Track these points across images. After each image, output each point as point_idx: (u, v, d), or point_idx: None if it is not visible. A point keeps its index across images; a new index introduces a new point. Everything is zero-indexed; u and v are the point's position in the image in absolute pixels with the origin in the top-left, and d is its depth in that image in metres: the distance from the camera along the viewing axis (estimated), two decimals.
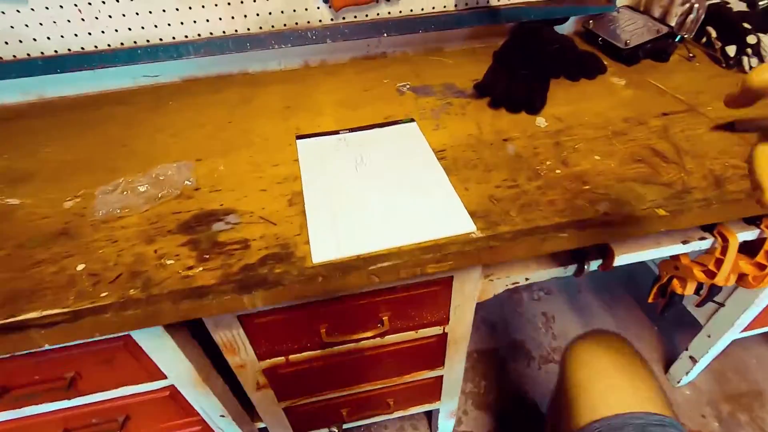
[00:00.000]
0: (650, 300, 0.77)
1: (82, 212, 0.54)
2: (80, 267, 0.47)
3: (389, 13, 0.81)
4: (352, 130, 0.66)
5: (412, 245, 0.48)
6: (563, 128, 0.65)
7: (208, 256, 0.48)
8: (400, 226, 0.49)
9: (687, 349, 1.00)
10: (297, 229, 0.50)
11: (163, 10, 0.74)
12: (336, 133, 0.66)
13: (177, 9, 0.74)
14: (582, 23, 0.90)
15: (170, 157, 0.63)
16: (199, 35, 0.77)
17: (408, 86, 0.78)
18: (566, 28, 0.93)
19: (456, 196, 0.53)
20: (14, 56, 0.73)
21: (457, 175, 0.57)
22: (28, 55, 0.74)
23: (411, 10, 0.82)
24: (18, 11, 0.69)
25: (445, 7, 0.83)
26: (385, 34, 0.82)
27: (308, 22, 0.79)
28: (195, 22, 0.76)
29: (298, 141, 0.64)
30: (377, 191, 0.54)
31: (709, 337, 0.93)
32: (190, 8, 0.74)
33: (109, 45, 0.76)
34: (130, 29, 0.75)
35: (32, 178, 0.61)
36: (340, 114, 0.72)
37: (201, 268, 0.46)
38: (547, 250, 0.50)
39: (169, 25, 0.75)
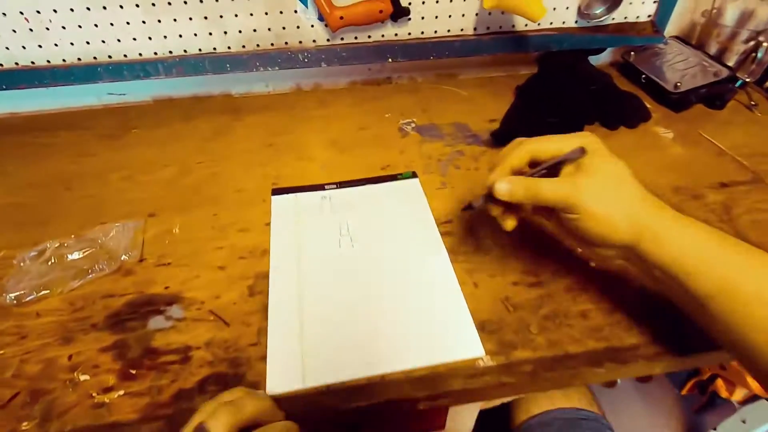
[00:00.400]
0: (684, 392, 0.65)
1: None
2: None
3: (396, 35, 0.69)
4: (340, 185, 0.55)
5: (399, 373, 0.36)
6: None
7: (134, 372, 0.37)
8: (386, 345, 0.38)
9: (715, 429, 0.89)
10: (254, 335, 0.39)
11: (127, 23, 0.62)
12: (321, 188, 0.54)
13: (144, 22, 0.62)
14: (621, 54, 0.77)
15: (118, 209, 0.52)
16: (170, 52, 0.66)
17: (413, 125, 0.66)
18: (601, 58, 0.80)
19: (461, 298, 0.41)
20: None
21: (464, 262, 0.45)
22: None
23: (422, 33, 0.69)
24: None
25: (462, 30, 0.70)
26: (390, 60, 0.70)
27: (300, 42, 0.67)
28: (165, 37, 0.64)
29: (274, 198, 0.53)
30: (360, 287, 0.43)
31: (744, 422, 0.81)
32: (159, 21, 0.62)
33: (64, 60, 0.64)
34: (88, 43, 0.63)
35: None
36: (329, 158, 0.60)
37: (122, 392, 0.35)
38: (575, 384, 0.39)
39: (134, 39, 0.64)
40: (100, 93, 0.71)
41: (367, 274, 0.44)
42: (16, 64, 0.64)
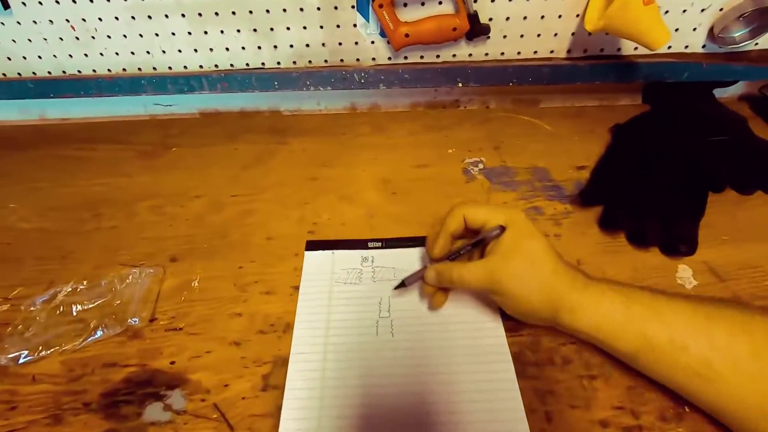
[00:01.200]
0: None
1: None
2: None
3: (470, 55, 0.58)
4: (386, 243, 0.46)
5: None
6: (724, 291, 0.40)
7: None
8: None
9: None
10: None
11: (173, 33, 0.56)
12: (363, 245, 0.46)
13: (189, 33, 0.56)
14: (759, 87, 0.61)
15: (140, 247, 0.47)
16: (216, 66, 0.60)
17: (481, 165, 0.56)
18: (728, 91, 0.64)
19: None
20: (4, 74, 0.61)
21: (535, 379, 0.35)
22: (19, 74, 0.61)
23: (502, 54, 0.58)
24: (2, 24, 0.56)
25: (552, 52, 0.58)
26: (461, 84, 0.59)
27: (357, 59, 0.59)
28: (211, 50, 0.58)
29: (307, 254, 0.45)
30: (398, 396, 0.34)
31: None
32: (205, 33, 0.56)
33: (109, 70, 0.60)
34: (133, 53, 0.58)
35: None
36: (378, 203, 0.51)
37: None
38: None
39: (180, 51, 0.58)
40: (147, 103, 0.68)
41: (409, 379, 0.35)
42: (63, 72, 0.61)
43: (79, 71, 0.60)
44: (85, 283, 0.43)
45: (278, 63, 0.59)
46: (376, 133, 0.62)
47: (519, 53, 0.58)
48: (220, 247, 0.47)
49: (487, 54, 0.58)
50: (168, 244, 0.47)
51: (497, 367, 0.35)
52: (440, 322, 0.38)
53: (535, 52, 0.58)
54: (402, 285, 0.39)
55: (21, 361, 0.37)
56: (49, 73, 0.61)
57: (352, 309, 0.40)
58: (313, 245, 0.46)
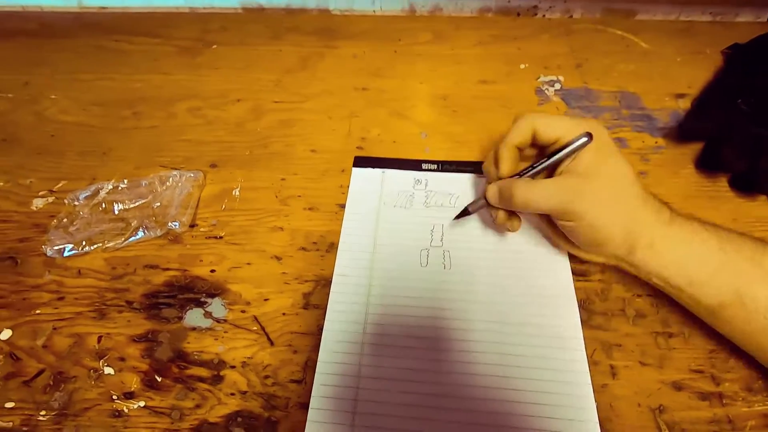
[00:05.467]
0: None
1: (44, 224, 0.39)
2: (5, 335, 0.33)
3: None
4: (442, 166, 0.41)
5: None
6: None
7: (159, 379, 0.31)
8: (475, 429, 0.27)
9: None
10: (299, 368, 0.31)
11: None
12: (417, 165, 0.41)
13: None
14: None
15: (180, 149, 0.44)
16: None
17: (558, 86, 0.48)
18: None
19: (589, 390, 0.28)
20: None
21: (600, 329, 0.31)
22: None
23: None
24: None
25: None
26: None
27: None
28: None
29: (355, 170, 0.41)
30: (447, 336, 0.31)
31: None
32: None
33: None
34: None
35: (22, 142, 0.46)
36: (434, 120, 0.46)
37: (142, 403, 0.30)
38: None
39: None
40: None
41: (462, 316, 0.32)
42: None
43: None
44: (125, 181, 0.41)
45: None
46: (436, 41, 0.54)
47: None
48: (262, 156, 0.43)
49: None
50: (208, 148, 0.44)
51: (560, 312, 0.31)
52: (499, 257, 0.35)
53: None
54: (465, 213, 0.34)
55: (66, 254, 0.37)
56: None
57: (401, 235, 0.36)
58: (361, 161, 0.41)
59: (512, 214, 0.33)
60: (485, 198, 0.32)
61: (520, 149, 0.32)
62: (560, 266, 0.34)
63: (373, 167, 0.41)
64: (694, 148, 0.41)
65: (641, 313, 0.32)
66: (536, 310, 0.32)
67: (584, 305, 0.32)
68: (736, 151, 0.37)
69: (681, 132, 0.41)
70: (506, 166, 0.31)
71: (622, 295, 0.33)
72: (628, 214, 0.28)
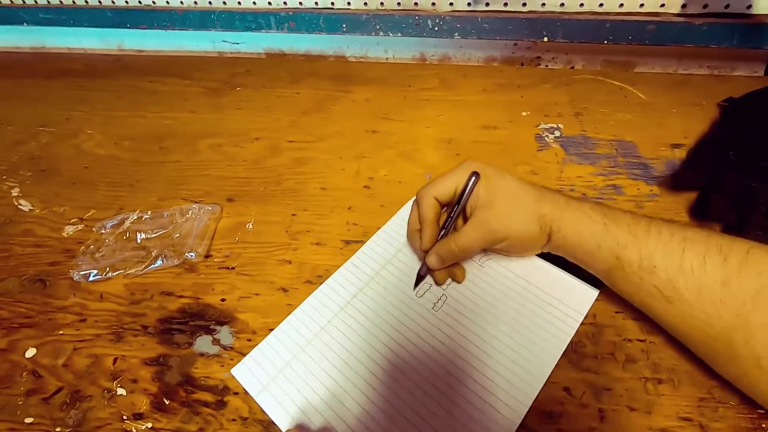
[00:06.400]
0: None
1: (72, 250, 0.42)
2: (30, 353, 0.36)
3: (562, 5, 0.51)
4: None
5: None
6: None
7: (167, 402, 0.33)
8: None
9: None
10: None
11: None
12: None
13: None
14: None
15: (201, 184, 0.48)
16: (285, 4, 0.57)
17: (558, 133, 0.50)
18: None
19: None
20: (86, 1, 0.62)
21: (590, 386, 0.32)
22: (99, 2, 0.62)
23: (600, 6, 0.50)
24: None
25: (662, 6, 0.49)
26: (547, 39, 0.53)
27: (433, 4, 0.54)
28: None
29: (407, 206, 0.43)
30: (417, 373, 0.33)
31: None
32: None
33: (181, 2, 0.60)
34: None
35: (60, 173, 0.51)
36: (439, 164, 0.48)
37: (149, 425, 0.32)
38: None
39: None
40: (215, 39, 0.67)
41: (425, 351, 0.33)
42: (139, 2, 0.61)
43: (153, 2, 0.61)
44: (149, 212, 0.44)
45: (348, 3, 0.56)
46: (444, 87, 0.58)
47: (621, 5, 0.50)
48: (275, 192, 0.47)
49: (582, 4, 0.51)
50: (226, 183, 0.48)
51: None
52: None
53: (642, 5, 0.50)
54: (420, 279, 0.37)
55: (91, 279, 0.40)
56: (126, 2, 0.61)
57: (399, 279, 0.38)
58: None
59: (453, 267, 0.37)
60: (428, 267, 0.36)
61: (437, 220, 0.36)
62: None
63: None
64: (688, 197, 0.42)
65: (632, 357, 0.33)
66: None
67: (575, 348, 0.33)
68: (727, 202, 0.38)
69: (675, 181, 0.43)
70: (428, 239, 0.36)
71: (613, 339, 0.34)
72: (533, 213, 0.33)
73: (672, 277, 0.28)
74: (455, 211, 0.35)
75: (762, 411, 0.29)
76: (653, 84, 0.55)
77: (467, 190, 0.34)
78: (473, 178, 0.34)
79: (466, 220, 0.36)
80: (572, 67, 0.60)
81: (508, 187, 0.34)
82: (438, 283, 0.37)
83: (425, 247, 0.36)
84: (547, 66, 0.60)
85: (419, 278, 0.37)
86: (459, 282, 0.37)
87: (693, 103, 0.52)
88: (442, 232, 0.36)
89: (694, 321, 0.28)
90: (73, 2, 0.62)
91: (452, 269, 0.37)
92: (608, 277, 0.32)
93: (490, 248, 0.35)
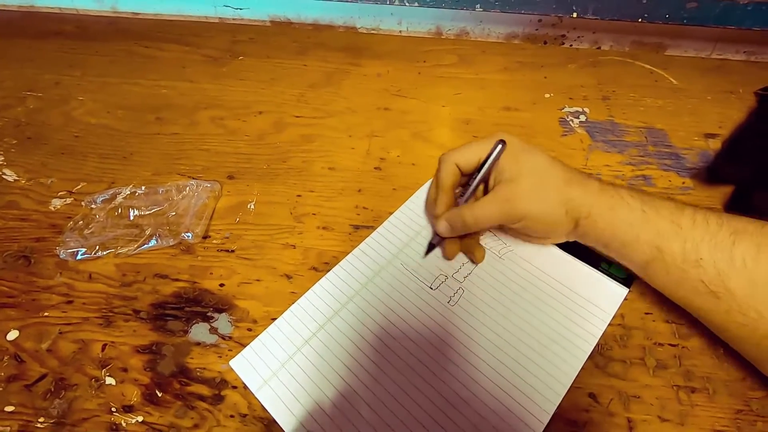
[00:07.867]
0: None
1: (59, 225, 0.39)
2: (12, 335, 0.33)
3: None
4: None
5: None
6: None
7: (160, 395, 0.30)
8: None
9: None
10: None
11: None
12: None
13: None
14: None
15: (200, 158, 0.45)
16: None
17: (583, 118, 0.47)
18: None
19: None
20: None
21: (617, 393, 0.29)
22: None
23: None
24: None
25: None
26: (576, 14, 0.49)
27: None
28: None
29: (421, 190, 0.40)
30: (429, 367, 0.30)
31: None
32: None
33: None
34: None
35: (47, 141, 0.47)
36: (455, 143, 0.44)
37: (140, 418, 0.29)
38: None
39: None
40: (217, 3, 0.62)
41: (452, 355, 0.31)
42: None
43: None
44: (143, 188, 0.41)
45: None
46: (461, 64, 0.54)
47: None
48: (279, 171, 0.43)
49: None
50: (227, 159, 0.45)
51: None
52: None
53: None
54: (432, 247, 0.35)
55: (79, 257, 0.37)
56: None
57: (436, 251, 0.36)
58: None
59: (471, 245, 0.35)
60: (438, 234, 0.34)
61: (454, 189, 0.34)
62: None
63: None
64: (724, 192, 0.39)
65: (662, 363, 0.30)
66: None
67: (602, 351, 0.31)
68: (765, 198, 0.36)
69: (710, 174, 0.40)
70: (442, 207, 0.34)
71: (642, 343, 0.31)
72: (561, 195, 0.30)
73: (721, 271, 0.26)
74: (475, 178, 0.33)
75: None
76: (686, 68, 0.52)
77: (492, 158, 0.32)
78: (499, 146, 0.32)
79: (487, 192, 0.33)
80: (599, 48, 0.56)
81: (536, 164, 0.31)
82: (446, 257, 0.35)
83: (437, 214, 0.34)
84: (571, 45, 0.57)
85: (430, 246, 0.36)
86: (476, 263, 0.35)
87: (729, 90, 0.48)
88: (459, 202, 0.34)
89: (744, 319, 0.26)
90: None
91: (470, 246, 0.35)
92: (645, 269, 0.29)
93: (507, 225, 0.33)
